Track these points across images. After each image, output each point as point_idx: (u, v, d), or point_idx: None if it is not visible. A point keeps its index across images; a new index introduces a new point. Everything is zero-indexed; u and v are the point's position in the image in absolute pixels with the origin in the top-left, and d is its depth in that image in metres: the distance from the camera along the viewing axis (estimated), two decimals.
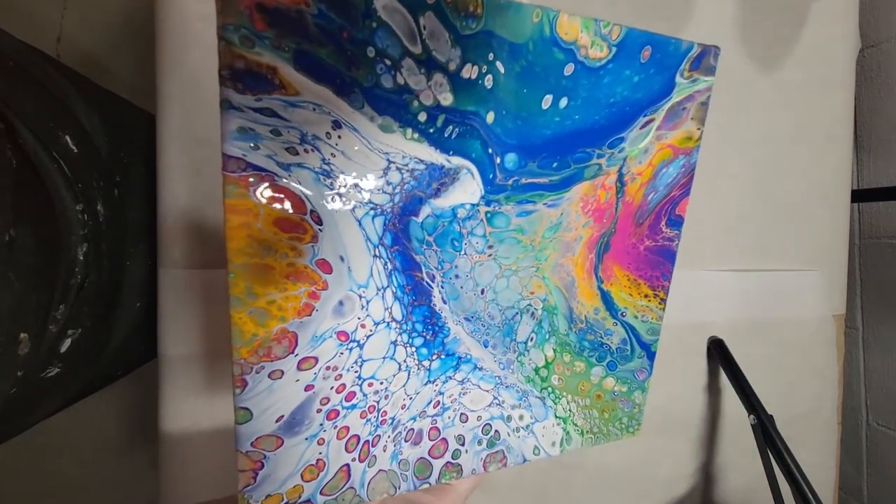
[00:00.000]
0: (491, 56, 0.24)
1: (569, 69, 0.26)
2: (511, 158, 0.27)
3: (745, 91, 0.48)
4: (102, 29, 0.82)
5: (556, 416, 0.34)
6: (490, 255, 0.29)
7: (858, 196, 0.61)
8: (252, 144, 0.21)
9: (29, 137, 0.34)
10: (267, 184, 0.22)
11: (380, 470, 0.29)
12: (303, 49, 0.21)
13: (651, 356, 0.36)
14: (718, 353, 0.47)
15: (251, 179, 0.21)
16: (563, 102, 0.27)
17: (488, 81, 0.25)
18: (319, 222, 0.24)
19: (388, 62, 0.23)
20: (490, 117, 0.26)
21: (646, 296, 0.34)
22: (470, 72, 0.24)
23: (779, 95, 0.49)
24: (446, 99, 0.25)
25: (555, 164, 0.29)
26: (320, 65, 0.21)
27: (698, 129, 0.31)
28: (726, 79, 0.48)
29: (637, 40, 0.27)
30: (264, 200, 0.22)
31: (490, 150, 0.27)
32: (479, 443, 0.31)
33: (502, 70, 0.25)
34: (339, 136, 0.23)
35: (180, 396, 0.43)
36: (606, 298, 0.33)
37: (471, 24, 0.23)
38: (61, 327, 0.36)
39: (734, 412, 0.51)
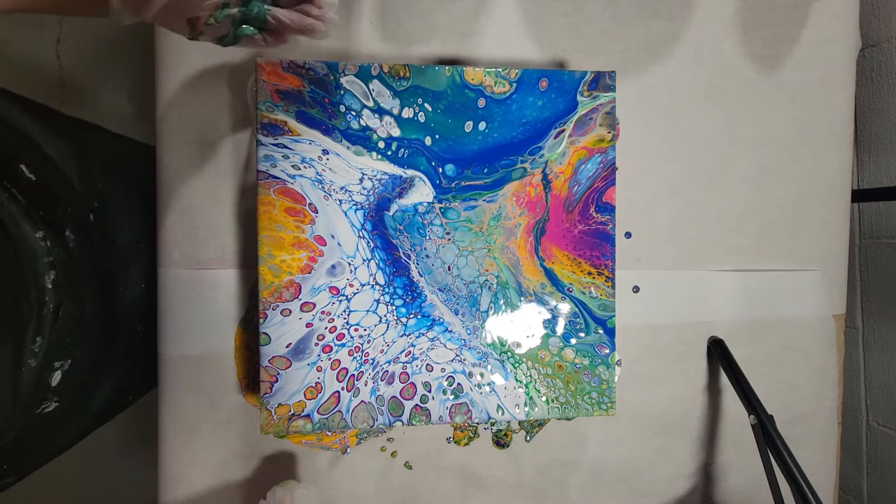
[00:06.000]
0: (420, 101, 0.37)
1: (481, 102, 0.38)
2: (450, 168, 0.39)
3: (745, 91, 0.49)
4: (102, 29, 0.81)
5: (517, 380, 0.39)
6: (449, 239, 0.39)
7: (858, 196, 0.60)
8: (271, 164, 0.36)
9: None
10: (279, 186, 0.36)
11: (362, 401, 0.38)
12: (301, 110, 0.37)
13: (609, 332, 0.40)
14: (718, 353, 0.46)
15: (270, 183, 0.36)
16: (483, 126, 0.38)
17: (421, 117, 0.38)
18: (315, 211, 0.37)
19: (353, 113, 0.37)
20: (428, 140, 0.38)
21: (589, 273, 0.39)
22: (408, 113, 0.38)
23: (779, 95, 0.49)
24: (395, 131, 0.38)
25: (486, 170, 0.39)
26: (312, 118, 0.37)
27: (609, 132, 0.39)
28: (726, 79, 0.49)
29: (533, 75, 0.38)
30: (277, 196, 0.36)
31: (433, 164, 0.39)
32: (444, 392, 0.38)
33: (430, 109, 0.38)
34: (328, 159, 0.37)
35: (180, 396, 0.43)
36: (551, 275, 0.39)
37: (402, 83, 0.37)
38: (43, 360, 0.35)
39: (734, 412, 0.50)
